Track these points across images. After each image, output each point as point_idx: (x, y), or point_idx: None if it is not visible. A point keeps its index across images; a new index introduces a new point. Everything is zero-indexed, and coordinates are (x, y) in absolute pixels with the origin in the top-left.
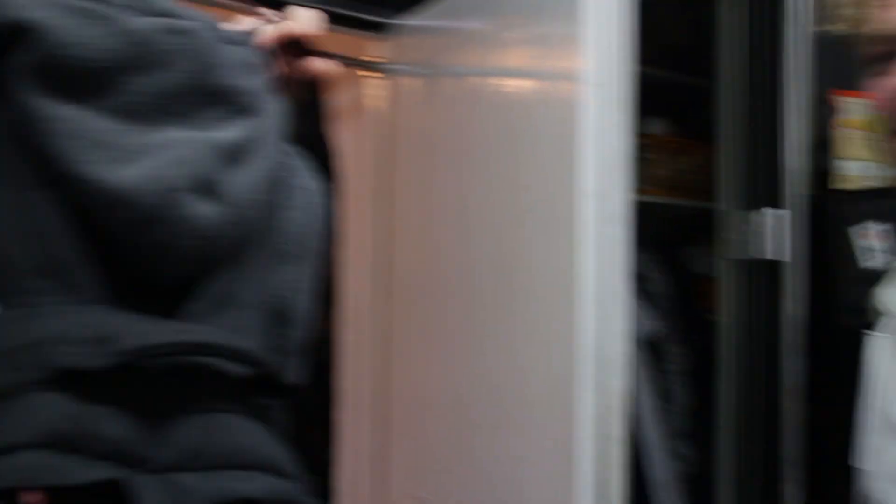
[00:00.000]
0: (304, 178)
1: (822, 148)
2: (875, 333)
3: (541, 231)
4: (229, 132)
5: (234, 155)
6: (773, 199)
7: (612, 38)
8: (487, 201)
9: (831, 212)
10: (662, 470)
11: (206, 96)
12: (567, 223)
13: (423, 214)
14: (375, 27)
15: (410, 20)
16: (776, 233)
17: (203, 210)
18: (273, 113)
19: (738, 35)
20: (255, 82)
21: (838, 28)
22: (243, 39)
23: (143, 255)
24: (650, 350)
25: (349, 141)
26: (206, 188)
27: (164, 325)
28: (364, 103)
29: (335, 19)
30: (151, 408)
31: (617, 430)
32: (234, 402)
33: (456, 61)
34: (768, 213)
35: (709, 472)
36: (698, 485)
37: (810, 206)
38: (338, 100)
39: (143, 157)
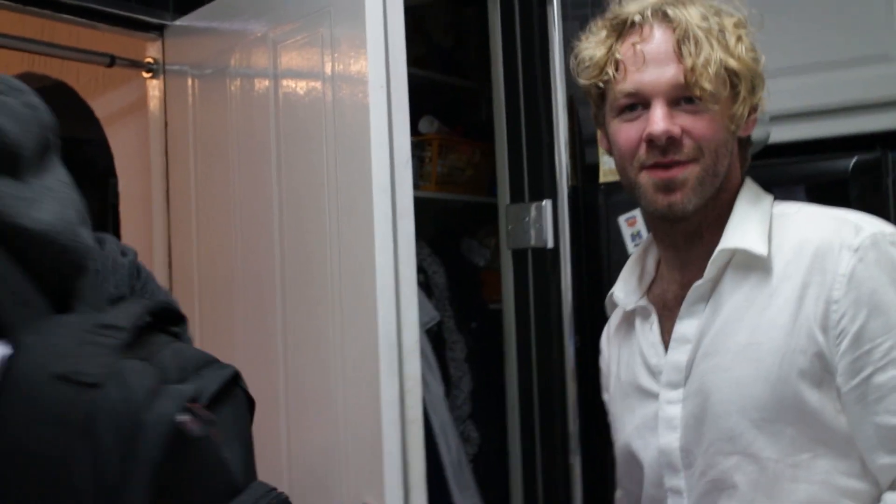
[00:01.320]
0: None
1: (589, 144)
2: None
3: (341, 227)
4: (61, 169)
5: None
6: (548, 191)
7: (395, 41)
8: (287, 199)
9: (601, 202)
10: (453, 452)
11: (46, 147)
12: (365, 218)
13: (220, 213)
14: (154, 28)
15: (191, 21)
16: (550, 223)
17: (88, 235)
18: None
19: (510, 41)
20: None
21: (591, 81)
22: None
23: (63, 273)
24: (433, 339)
25: (131, 141)
26: (84, 218)
27: (127, 306)
28: (147, 103)
29: (112, 20)
30: (146, 354)
31: (414, 413)
32: (169, 335)
33: (241, 62)
34: (542, 205)
35: (495, 451)
36: (486, 463)
37: (582, 198)
38: (118, 101)
39: (46, 203)
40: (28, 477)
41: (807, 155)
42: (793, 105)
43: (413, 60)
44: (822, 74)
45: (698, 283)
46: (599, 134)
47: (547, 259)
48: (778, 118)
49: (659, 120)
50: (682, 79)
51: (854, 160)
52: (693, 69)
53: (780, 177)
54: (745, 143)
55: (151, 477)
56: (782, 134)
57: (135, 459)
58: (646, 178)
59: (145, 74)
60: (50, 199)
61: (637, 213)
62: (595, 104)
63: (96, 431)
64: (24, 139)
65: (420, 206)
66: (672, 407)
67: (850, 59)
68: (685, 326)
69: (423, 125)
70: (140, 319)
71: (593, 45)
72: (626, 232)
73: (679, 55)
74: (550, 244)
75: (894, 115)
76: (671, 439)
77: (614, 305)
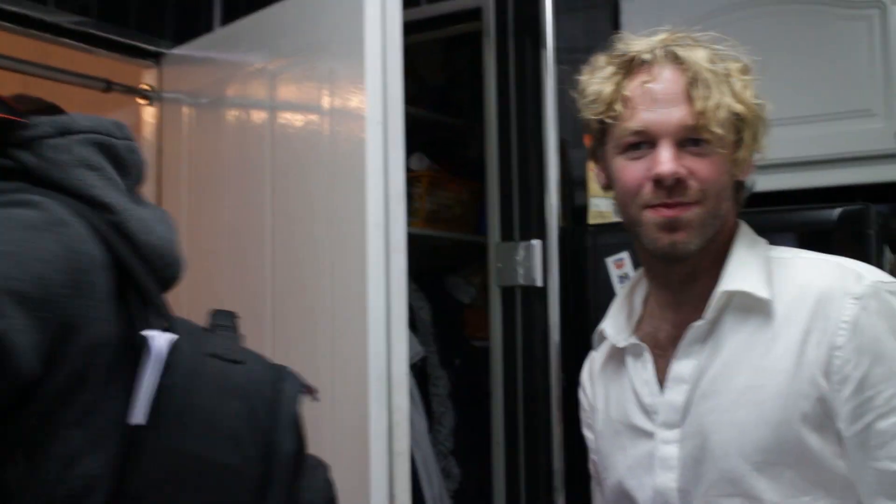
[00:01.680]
0: None
1: (579, 186)
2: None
3: (334, 260)
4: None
5: None
6: (538, 231)
7: (393, 78)
8: (280, 231)
9: (589, 244)
10: (435, 487)
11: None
12: (359, 252)
13: (211, 241)
14: (151, 55)
15: (189, 50)
16: (540, 262)
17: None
18: None
19: (504, 82)
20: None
21: (597, 117)
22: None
23: (167, 282)
24: (417, 374)
25: None
26: (177, 238)
27: (223, 313)
28: (140, 130)
29: (110, 46)
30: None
31: (402, 446)
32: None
33: (238, 93)
34: (532, 245)
35: (476, 487)
36: (466, 500)
37: (571, 239)
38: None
39: (157, 226)
40: (196, 426)
41: (792, 205)
42: (778, 156)
43: (405, 98)
44: (806, 127)
45: (697, 323)
46: (596, 169)
47: (535, 298)
48: (764, 168)
49: (667, 161)
50: (690, 121)
51: (839, 211)
52: (703, 112)
53: (766, 224)
54: (739, 186)
55: (292, 425)
56: (769, 183)
57: (279, 414)
58: (649, 217)
59: (141, 101)
60: (158, 222)
61: (625, 255)
62: (596, 140)
63: (249, 394)
64: (136, 174)
65: (408, 241)
66: (669, 447)
67: (835, 113)
68: (682, 366)
69: (413, 162)
70: (234, 322)
71: (600, 81)
72: (614, 274)
73: (689, 97)
74: (539, 283)
75: (877, 168)
76: (667, 479)
77: (603, 340)
